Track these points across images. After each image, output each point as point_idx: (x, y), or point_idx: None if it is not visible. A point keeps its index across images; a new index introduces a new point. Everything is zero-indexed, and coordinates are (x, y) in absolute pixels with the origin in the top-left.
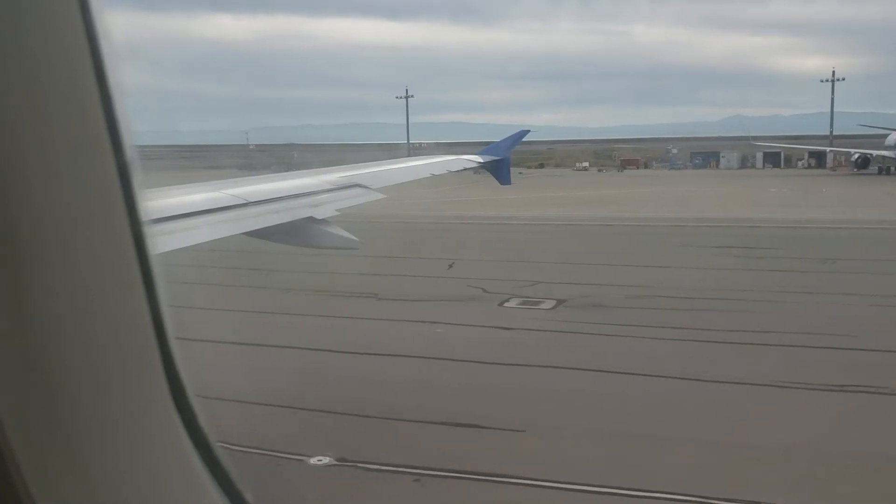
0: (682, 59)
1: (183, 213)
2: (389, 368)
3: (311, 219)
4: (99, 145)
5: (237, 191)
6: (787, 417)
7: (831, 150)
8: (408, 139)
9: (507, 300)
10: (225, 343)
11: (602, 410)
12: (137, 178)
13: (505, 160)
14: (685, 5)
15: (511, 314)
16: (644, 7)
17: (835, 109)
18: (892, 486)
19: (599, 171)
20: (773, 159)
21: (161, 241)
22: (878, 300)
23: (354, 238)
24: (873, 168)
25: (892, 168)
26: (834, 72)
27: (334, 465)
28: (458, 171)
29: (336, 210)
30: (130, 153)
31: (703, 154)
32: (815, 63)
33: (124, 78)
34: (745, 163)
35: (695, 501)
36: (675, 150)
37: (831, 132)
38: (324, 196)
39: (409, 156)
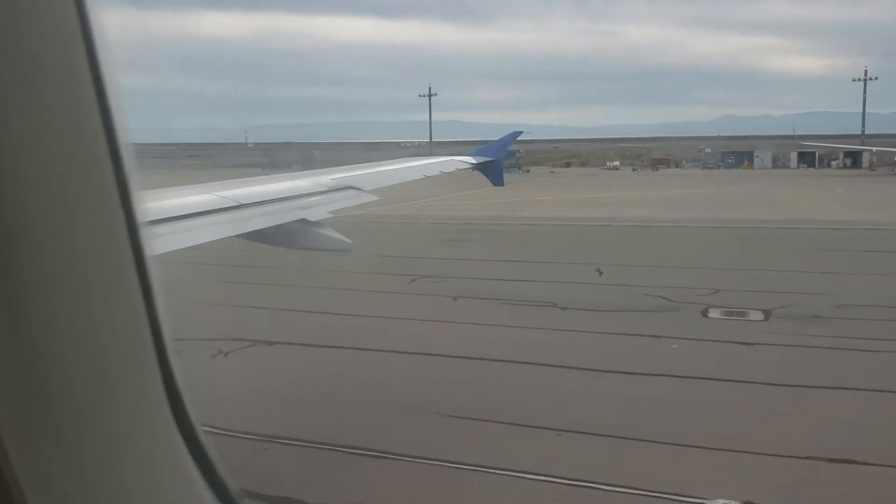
0: (674, 59)
1: (178, 216)
2: (688, 391)
3: (304, 221)
4: (95, 145)
5: (229, 193)
6: None
7: (868, 150)
8: (430, 137)
9: (706, 310)
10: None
11: None
12: (134, 178)
13: (498, 161)
14: (677, 6)
15: (727, 327)
16: (637, 7)
17: (827, 110)
18: None
19: (634, 170)
20: (806, 159)
21: (156, 243)
22: None
23: (348, 240)
24: None
25: None
26: (866, 70)
27: None
28: (450, 171)
29: (329, 212)
30: (126, 152)
31: (736, 154)
32: (806, 64)
33: (119, 76)
34: (776, 162)
35: None
36: (708, 150)
37: (863, 132)
38: (316, 198)
39: (431, 154)
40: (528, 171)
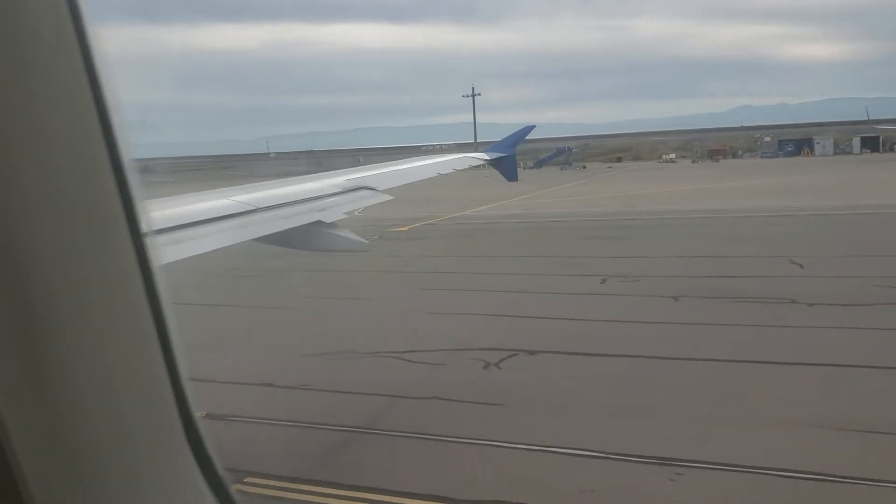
0: (686, 51)
1: (193, 222)
2: None
3: (319, 223)
4: (96, 156)
5: (244, 197)
6: None
7: None
8: (475, 138)
9: None
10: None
11: None
12: (137, 187)
13: (511, 157)
14: None
15: None
16: (644, 1)
17: (842, 96)
18: None
19: (693, 162)
20: (869, 145)
21: (175, 250)
22: None
23: (364, 241)
24: None
25: None
26: None
27: None
28: (463, 168)
29: (344, 213)
30: (128, 163)
31: (795, 141)
32: (819, 50)
33: (123, 89)
34: (837, 149)
35: None
36: (766, 139)
37: None
38: (331, 199)
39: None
40: (585, 167)
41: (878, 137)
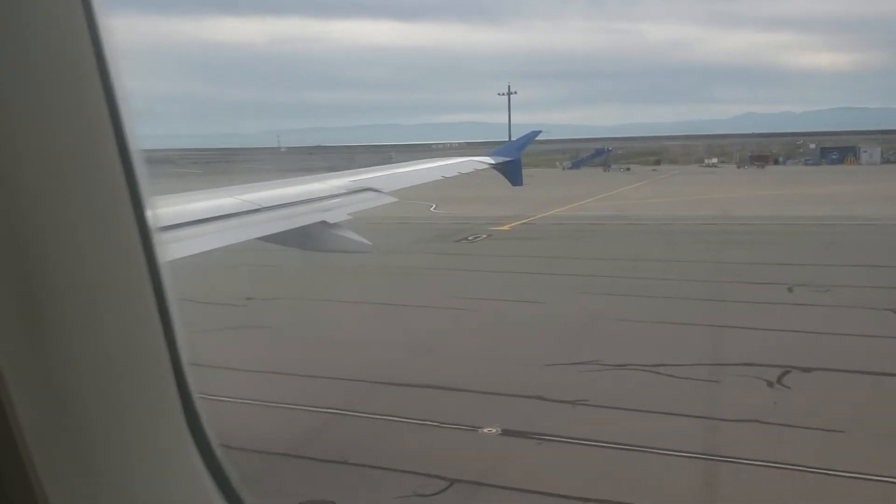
0: (692, 56)
1: (199, 219)
2: None
3: (323, 223)
4: (105, 150)
5: (250, 196)
6: None
7: None
8: (509, 136)
9: None
10: None
11: None
12: (144, 182)
13: (516, 161)
14: (693, 3)
15: None
16: (652, 5)
17: (847, 105)
18: None
19: (739, 167)
20: None
21: (183, 247)
22: None
23: (367, 242)
24: None
25: None
26: None
27: None
28: (468, 172)
29: (348, 214)
30: (136, 157)
31: (839, 149)
32: (824, 59)
33: (131, 81)
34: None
35: None
36: (812, 145)
37: None
38: (335, 200)
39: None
40: (629, 170)
41: None
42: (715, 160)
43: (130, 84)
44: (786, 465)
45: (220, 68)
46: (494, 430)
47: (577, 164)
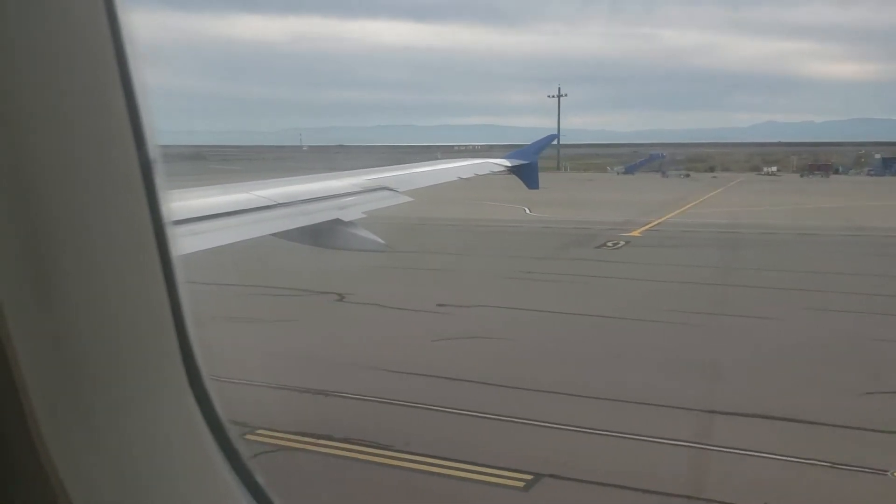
0: (712, 63)
1: (217, 213)
2: None
3: (337, 221)
4: (122, 144)
5: (265, 192)
6: None
7: None
8: (558, 140)
9: None
10: None
11: None
12: (159, 175)
13: (533, 164)
14: (714, 9)
15: None
16: (673, 10)
17: (867, 116)
18: None
19: (802, 176)
20: None
21: (200, 240)
22: None
23: (381, 241)
24: None
25: None
26: None
27: None
28: (484, 174)
29: (363, 213)
30: (153, 151)
31: None
32: (846, 69)
33: (149, 77)
34: None
35: None
36: (877, 155)
37: None
38: (351, 199)
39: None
40: (689, 175)
41: None
42: (775, 168)
43: (150, 80)
44: None
45: (240, 65)
46: None
47: (630, 169)
